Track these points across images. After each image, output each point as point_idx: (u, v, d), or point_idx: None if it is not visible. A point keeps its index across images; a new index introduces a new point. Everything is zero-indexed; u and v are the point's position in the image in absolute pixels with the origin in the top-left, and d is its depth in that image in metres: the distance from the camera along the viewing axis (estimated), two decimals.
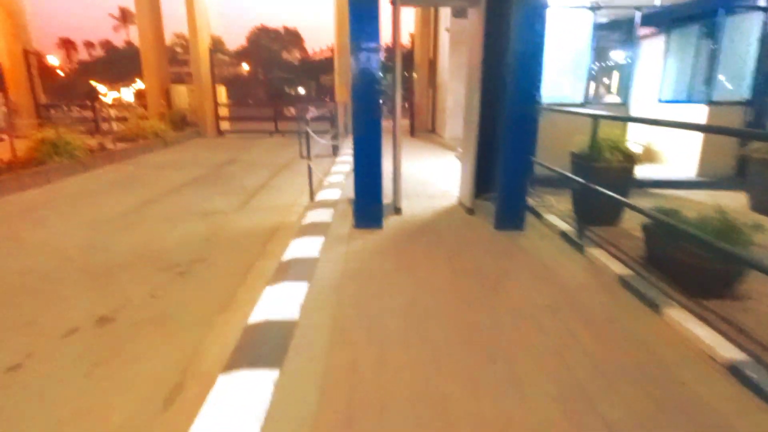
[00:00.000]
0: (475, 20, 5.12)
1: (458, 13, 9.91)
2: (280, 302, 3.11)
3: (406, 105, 16.44)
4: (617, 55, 9.07)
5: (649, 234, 3.78)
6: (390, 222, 5.01)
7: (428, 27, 15.33)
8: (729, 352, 2.48)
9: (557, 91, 7.05)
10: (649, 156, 7.73)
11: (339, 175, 7.65)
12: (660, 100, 8.79)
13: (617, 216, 4.89)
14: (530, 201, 5.26)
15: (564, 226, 4.79)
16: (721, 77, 7.09)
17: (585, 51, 6.91)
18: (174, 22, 14.65)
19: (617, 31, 8.21)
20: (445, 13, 13.15)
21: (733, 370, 2.37)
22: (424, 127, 15.49)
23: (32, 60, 14.70)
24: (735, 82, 7.16)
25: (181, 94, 15.63)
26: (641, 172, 5.43)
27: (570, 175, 4.57)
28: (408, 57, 16.62)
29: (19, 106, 13.94)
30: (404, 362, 2.48)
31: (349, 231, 4.71)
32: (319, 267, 3.73)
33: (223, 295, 3.55)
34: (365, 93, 4.50)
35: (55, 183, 7.79)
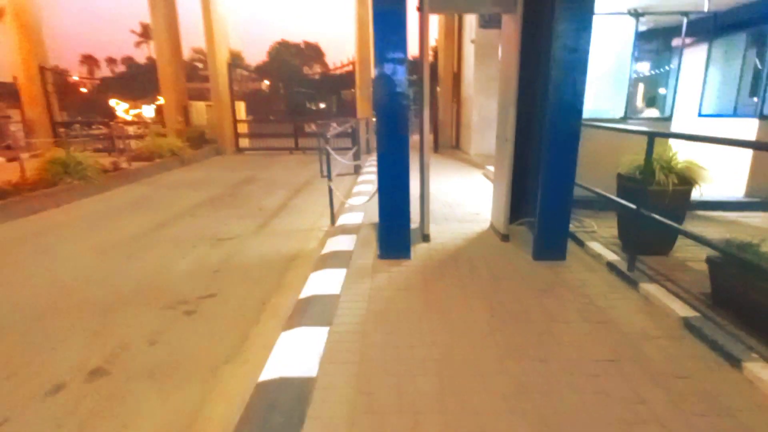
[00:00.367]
0: (510, 28, 4.71)
1: (485, 24, 9.53)
2: (296, 353, 2.70)
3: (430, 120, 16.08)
4: (659, 66, 8.56)
5: (716, 269, 3.27)
6: (417, 251, 4.58)
7: (452, 39, 14.98)
8: None
9: (595, 105, 6.57)
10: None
11: (361, 197, 7.26)
12: (700, 114, 8.22)
13: (670, 245, 4.36)
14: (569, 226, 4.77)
15: (610, 255, 4.29)
16: None
17: (625, 61, 6.42)
18: (194, 37, 14.57)
19: (660, 39, 7.72)
20: (469, 24, 12.78)
21: None
22: (448, 143, 15.06)
23: (49, 77, 14.73)
24: None
25: (200, 110, 15.54)
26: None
27: (621, 201, 4.09)
28: (431, 70, 16.32)
29: (35, 123, 13.98)
30: None
31: (373, 262, 4.29)
32: (340, 307, 3.31)
33: (232, 339, 3.16)
34: (391, 107, 4.11)
35: (64, 206, 7.58)
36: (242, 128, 16.10)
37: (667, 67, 9.76)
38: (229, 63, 14.94)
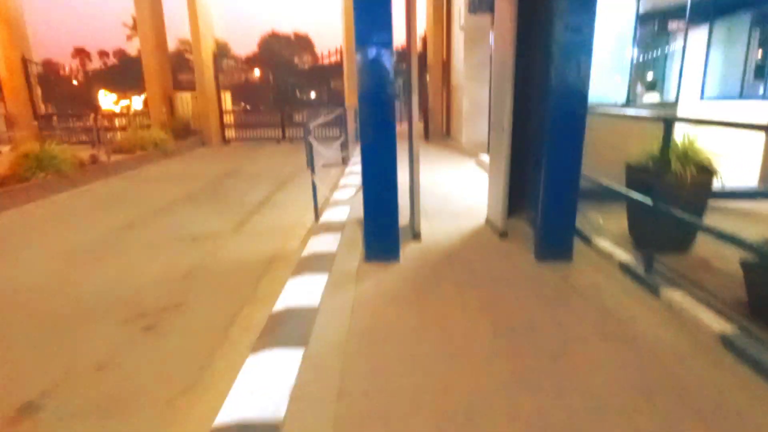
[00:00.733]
0: (504, 9, 4.24)
1: (475, 9, 9.02)
2: (262, 385, 2.26)
3: (419, 108, 15.59)
4: (662, 48, 8.14)
5: (754, 274, 2.86)
6: (408, 251, 4.14)
7: (441, 26, 14.46)
8: None
9: (595, 90, 6.11)
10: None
11: (348, 189, 6.81)
12: (702, 97, 7.82)
13: (689, 242, 3.96)
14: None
15: (622, 255, 3.87)
16: None
17: (627, 44, 5.97)
18: (182, 28, 13.98)
19: (662, 19, 7.27)
20: (458, 10, 12.26)
21: None
22: (439, 131, 14.59)
23: (32, 69, 14.18)
24: None
25: (186, 101, 14.95)
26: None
27: (635, 195, 3.66)
28: (420, 59, 15.78)
29: (17, 116, 13.38)
30: None
31: (359, 265, 3.85)
32: (317, 324, 2.87)
33: (194, 362, 2.71)
34: (376, 94, 3.63)
35: (36, 201, 7.07)
36: (229, 119, 15.53)
37: (670, 49, 9.34)
38: (214, 53, 14.35)
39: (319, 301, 3.17)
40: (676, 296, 3.09)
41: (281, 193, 7.49)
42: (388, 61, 3.55)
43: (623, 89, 6.26)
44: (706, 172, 3.75)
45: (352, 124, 11.73)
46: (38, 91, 14.42)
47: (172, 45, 17.70)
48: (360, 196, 3.90)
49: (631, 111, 5.51)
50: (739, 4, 7.51)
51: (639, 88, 8.93)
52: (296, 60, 53.09)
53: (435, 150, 11.67)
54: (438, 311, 3.02)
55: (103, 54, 45.58)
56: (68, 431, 2.19)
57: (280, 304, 3.18)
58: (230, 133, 15.45)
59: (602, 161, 4.72)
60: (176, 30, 14.90)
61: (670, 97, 8.49)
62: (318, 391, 2.21)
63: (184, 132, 13.82)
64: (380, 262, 3.89)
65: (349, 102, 13.68)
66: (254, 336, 2.85)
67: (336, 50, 14.81)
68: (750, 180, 6.08)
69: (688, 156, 3.76)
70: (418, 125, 4.26)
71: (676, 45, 9.31)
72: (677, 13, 8.06)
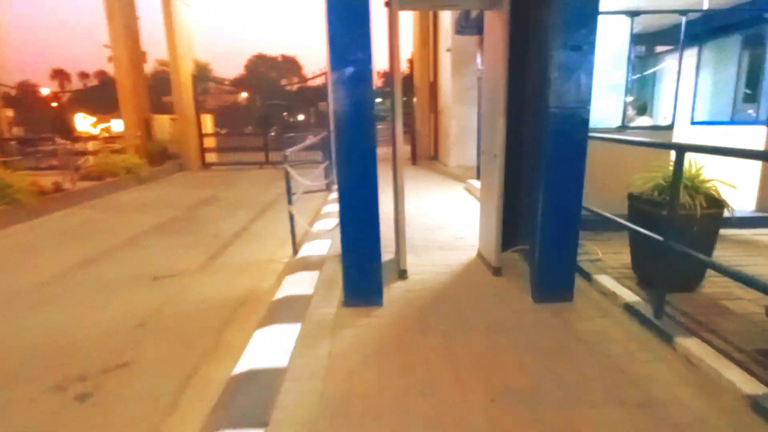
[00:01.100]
0: (496, 26, 3.95)
1: (462, 30, 8.81)
2: None
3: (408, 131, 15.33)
4: (651, 71, 8.02)
5: None
6: (392, 293, 3.73)
7: (427, 49, 14.36)
8: None
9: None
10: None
11: (331, 219, 6.39)
12: (693, 122, 7.64)
13: (698, 280, 3.61)
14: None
15: (628, 295, 3.51)
16: None
17: (622, 64, 5.74)
18: (161, 48, 13.51)
19: (655, 41, 7.12)
20: (445, 32, 12.15)
21: None
22: (426, 155, 14.33)
23: None
24: None
25: (164, 124, 14.46)
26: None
27: (645, 231, 3.31)
28: (407, 81, 15.61)
29: None
30: None
31: (337, 311, 3.41)
32: (283, 392, 2.41)
33: None
34: (354, 117, 3.24)
35: None
36: (210, 142, 15.09)
37: (658, 72, 9.23)
38: (194, 74, 13.97)
39: (288, 359, 2.72)
40: (693, 347, 2.72)
41: (259, 223, 7.05)
42: (367, 81, 3.19)
43: (617, 112, 6.02)
44: (716, 204, 3.42)
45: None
46: (5, 114, 13.78)
47: (152, 65, 17.27)
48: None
49: (637, 136, 5.25)
50: (728, 27, 7.40)
51: (630, 111, 8.77)
52: (284, 82, 53.20)
53: (422, 174, 11.35)
54: (425, 373, 2.59)
55: (83, 75, 44.78)
56: None
57: (243, 363, 2.72)
58: (211, 158, 14.98)
59: (597, 188, 4.42)
60: (158, 50, 14.42)
61: (661, 121, 8.34)
62: None
63: (161, 156, 13.31)
64: (361, 306, 3.47)
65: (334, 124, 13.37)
66: (209, 405, 2.40)
67: (320, 71, 14.59)
68: (746, 206, 5.82)
69: (697, 186, 3.44)
70: (403, 150, 3.89)
71: (664, 68, 9.22)
72: (665, 35, 7.96)
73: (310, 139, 9.88)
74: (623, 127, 5.82)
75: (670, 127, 5.86)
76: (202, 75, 15.28)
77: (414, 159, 13.53)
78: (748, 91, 7.54)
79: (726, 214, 3.52)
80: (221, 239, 6.10)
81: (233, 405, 2.32)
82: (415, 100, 15.05)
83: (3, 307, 4.01)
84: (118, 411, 2.54)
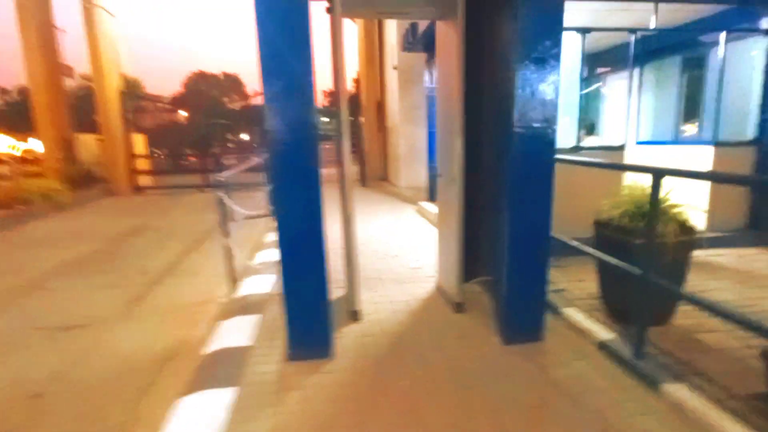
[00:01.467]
0: (449, 38, 3.64)
1: (409, 47, 8.62)
2: None
3: (354, 152, 14.99)
4: (596, 91, 8.14)
5: None
6: (346, 339, 3.25)
7: (374, 66, 14.12)
8: None
9: None
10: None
11: (275, 249, 5.83)
12: (638, 142, 7.79)
13: (671, 311, 3.40)
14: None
15: (601, 332, 3.23)
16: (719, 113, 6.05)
17: (574, 83, 5.66)
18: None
19: (604, 60, 7.20)
20: (391, 49, 11.98)
21: None
22: (376, 175, 13.98)
23: None
24: (737, 119, 6.14)
25: (89, 145, 13.23)
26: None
27: (624, 264, 3.05)
28: (354, 100, 15.32)
29: None
30: None
31: (280, 369, 2.89)
32: None
33: None
34: (292, 135, 2.77)
35: None
36: (143, 164, 13.99)
37: (604, 92, 9.43)
38: (122, 91, 12.92)
39: None
40: (681, 393, 2.44)
41: (194, 256, 6.34)
42: (308, 94, 2.74)
43: (571, 133, 5.93)
44: (688, 230, 3.24)
45: None
46: None
47: (76, 80, 15.88)
48: None
49: (590, 157, 5.10)
50: (668, 48, 7.63)
51: (592, 131, 8.89)
52: (226, 100, 51.58)
53: (372, 196, 10.98)
54: None
55: (2, 91, 40.81)
56: None
57: None
58: (146, 181, 13.86)
59: (555, 213, 4.20)
60: (84, 64, 13.23)
61: (606, 140, 8.45)
62: None
63: (85, 180, 12.11)
64: (309, 359, 2.97)
65: None
66: None
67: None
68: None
69: (666, 212, 3.24)
70: (351, 171, 3.47)
71: (606, 88, 9.44)
72: (607, 55, 8.11)
73: (252, 161, 9.28)
74: (577, 148, 5.72)
75: (621, 148, 5.82)
76: (132, 92, 14.19)
77: (363, 180, 13.15)
78: (688, 111, 7.80)
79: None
80: (149, 276, 5.38)
81: None
82: (362, 119, 14.75)
83: None
84: None
